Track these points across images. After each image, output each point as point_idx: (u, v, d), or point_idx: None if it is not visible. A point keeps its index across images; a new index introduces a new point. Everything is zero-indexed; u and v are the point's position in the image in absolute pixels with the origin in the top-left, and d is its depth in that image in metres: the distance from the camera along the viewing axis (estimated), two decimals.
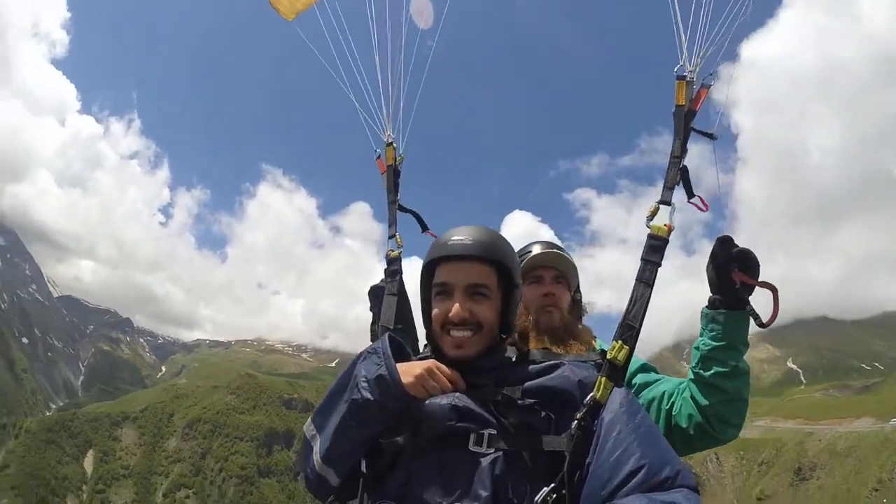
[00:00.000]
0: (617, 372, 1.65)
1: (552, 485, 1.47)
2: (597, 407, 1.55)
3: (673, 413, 2.20)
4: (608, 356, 1.69)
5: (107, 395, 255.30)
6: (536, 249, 2.60)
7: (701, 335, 2.15)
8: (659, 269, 1.83)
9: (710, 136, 2.00)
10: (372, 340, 2.62)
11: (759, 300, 2.03)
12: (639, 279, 1.83)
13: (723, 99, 2.04)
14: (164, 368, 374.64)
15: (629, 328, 1.74)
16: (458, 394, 1.63)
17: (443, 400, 1.61)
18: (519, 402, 1.57)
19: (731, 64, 1.86)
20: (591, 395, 1.57)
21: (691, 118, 1.96)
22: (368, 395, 1.60)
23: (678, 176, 1.92)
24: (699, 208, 1.99)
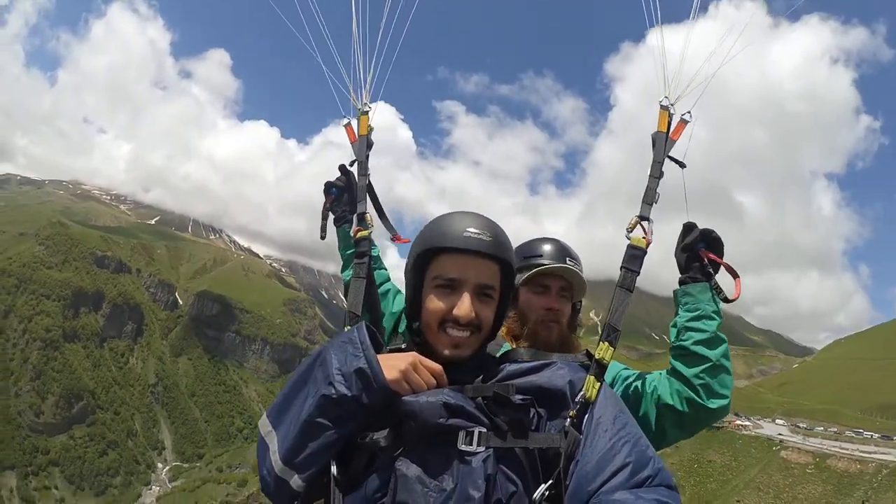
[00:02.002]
0: (603, 371, 1.65)
1: (549, 482, 1.47)
2: (586, 405, 1.54)
3: (659, 394, 2.23)
4: (596, 356, 1.69)
5: None
6: (547, 258, 2.56)
7: (676, 314, 2.26)
8: (637, 277, 1.88)
9: (681, 165, 2.08)
10: (328, 235, 2.72)
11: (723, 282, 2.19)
12: (620, 285, 1.85)
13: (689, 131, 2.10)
14: None
15: (613, 330, 1.75)
16: (447, 390, 1.54)
17: (431, 397, 1.49)
18: (512, 399, 1.51)
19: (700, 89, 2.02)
20: (582, 393, 1.56)
21: (671, 146, 2.06)
22: (345, 391, 1.45)
23: (657, 194, 1.99)
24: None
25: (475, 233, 1.62)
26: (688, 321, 2.19)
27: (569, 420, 1.53)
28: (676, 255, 2.26)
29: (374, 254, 2.48)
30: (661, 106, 2.10)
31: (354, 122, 2.44)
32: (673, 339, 2.25)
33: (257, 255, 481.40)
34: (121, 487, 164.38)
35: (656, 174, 2.03)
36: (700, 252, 2.20)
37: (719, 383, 2.16)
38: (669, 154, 2.07)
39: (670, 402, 2.18)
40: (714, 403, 2.14)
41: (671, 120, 2.10)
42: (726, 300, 2.16)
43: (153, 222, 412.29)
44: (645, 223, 1.96)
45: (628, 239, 1.93)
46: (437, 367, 1.59)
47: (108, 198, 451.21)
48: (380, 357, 1.53)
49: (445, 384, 1.58)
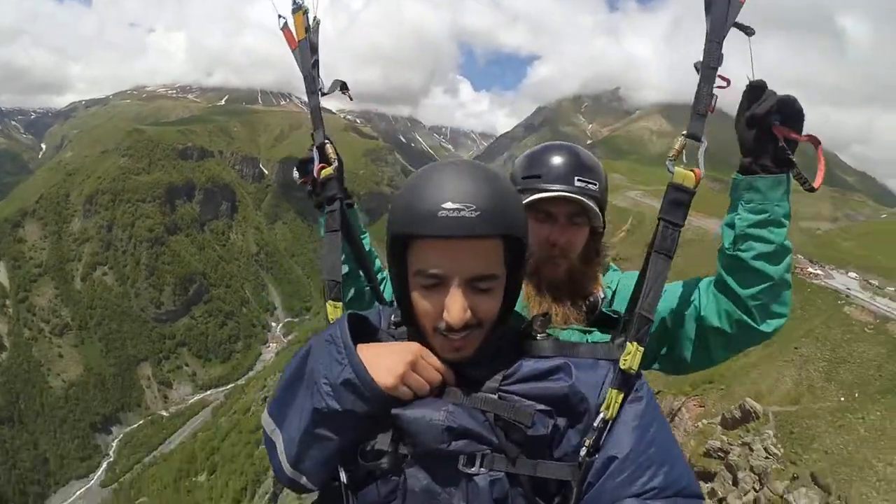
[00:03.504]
0: (630, 381, 1.32)
1: None
2: (605, 428, 1.28)
3: (703, 314, 1.77)
4: (621, 365, 1.32)
5: None
6: (549, 178, 1.87)
7: (734, 209, 1.68)
8: (680, 233, 1.39)
9: (748, 31, 1.50)
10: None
11: None
12: (657, 249, 1.39)
13: None
14: (43, 146, 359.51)
15: (645, 321, 1.36)
16: (451, 408, 1.25)
17: (434, 417, 1.24)
18: (528, 433, 1.24)
19: None
20: (602, 416, 1.28)
21: (735, 12, 1.46)
22: (335, 405, 1.22)
23: (713, 96, 1.43)
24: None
25: (453, 209, 1.16)
26: (750, 226, 1.64)
27: (584, 450, 1.28)
28: (738, 129, 1.60)
29: (355, 222, 2.00)
30: None
31: (292, 23, 1.84)
32: (727, 245, 1.69)
33: (330, 111, 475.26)
34: (243, 351, 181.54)
35: (713, 62, 1.46)
36: (775, 129, 1.53)
37: (780, 302, 1.71)
38: (737, 21, 1.48)
39: (717, 325, 1.74)
40: (770, 326, 1.72)
41: None
42: (811, 190, 1.60)
43: (223, 103, 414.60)
44: (696, 145, 1.45)
45: (670, 172, 1.44)
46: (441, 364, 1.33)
47: (174, 92, 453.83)
48: (371, 357, 1.26)
49: (452, 381, 1.32)
